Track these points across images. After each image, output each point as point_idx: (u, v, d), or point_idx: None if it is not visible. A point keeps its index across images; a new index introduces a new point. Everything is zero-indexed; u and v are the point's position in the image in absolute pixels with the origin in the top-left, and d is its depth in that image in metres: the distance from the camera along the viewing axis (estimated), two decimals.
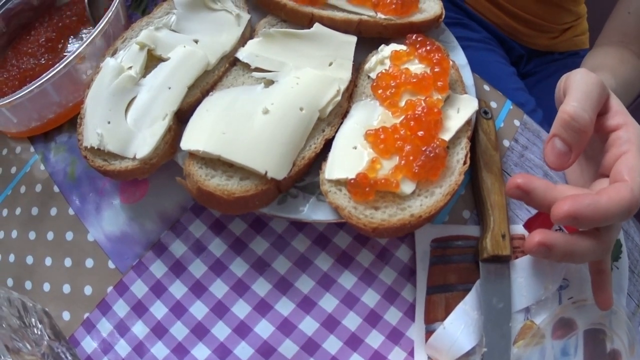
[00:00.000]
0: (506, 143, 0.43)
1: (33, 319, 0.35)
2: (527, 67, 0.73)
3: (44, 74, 0.39)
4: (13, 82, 0.45)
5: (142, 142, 0.35)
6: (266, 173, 0.33)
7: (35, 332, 0.35)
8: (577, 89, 0.31)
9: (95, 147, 0.35)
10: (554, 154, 0.31)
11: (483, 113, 0.41)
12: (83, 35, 0.48)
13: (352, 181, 0.33)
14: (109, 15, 0.41)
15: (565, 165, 0.31)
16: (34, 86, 0.39)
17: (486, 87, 0.46)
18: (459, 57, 0.43)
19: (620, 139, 0.32)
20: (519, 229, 0.39)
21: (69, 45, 0.48)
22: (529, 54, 0.73)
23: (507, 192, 0.32)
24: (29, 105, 0.41)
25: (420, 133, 0.35)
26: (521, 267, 0.37)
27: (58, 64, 0.39)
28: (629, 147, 0.31)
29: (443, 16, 0.44)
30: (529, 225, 0.38)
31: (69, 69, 0.40)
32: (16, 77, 0.45)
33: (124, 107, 0.36)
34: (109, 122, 0.35)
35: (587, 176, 0.36)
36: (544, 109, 0.62)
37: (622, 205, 0.28)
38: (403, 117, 0.36)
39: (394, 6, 0.42)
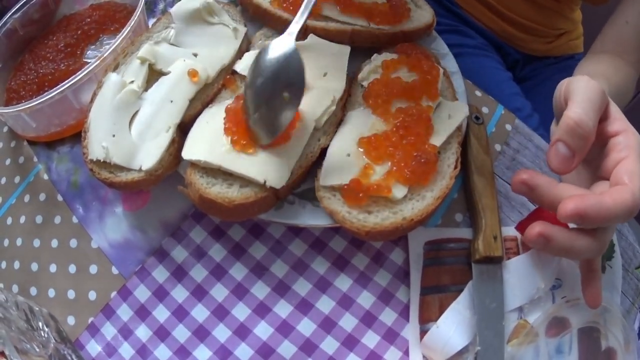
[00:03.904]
0: (498, 147, 0.46)
1: (40, 323, 0.38)
2: (523, 72, 0.76)
3: (66, 81, 0.41)
4: (31, 86, 0.47)
5: (147, 154, 0.37)
6: (265, 182, 0.36)
7: (42, 335, 0.37)
8: (580, 96, 0.33)
9: (101, 160, 0.37)
10: (557, 159, 0.33)
11: (474, 118, 0.44)
12: (103, 42, 0.50)
13: (345, 187, 0.36)
14: (132, 24, 0.44)
15: (568, 170, 0.33)
16: (55, 92, 0.41)
17: (478, 93, 0.49)
18: (451, 64, 0.46)
19: (620, 144, 0.33)
20: (510, 230, 0.42)
21: (88, 52, 0.49)
22: (524, 58, 0.75)
23: (512, 187, 0.34)
24: (49, 111, 0.43)
25: (410, 139, 0.37)
26: (513, 267, 0.39)
27: (81, 71, 0.41)
28: (628, 152, 0.33)
29: (434, 24, 0.47)
30: (521, 227, 0.41)
31: (90, 77, 0.42)
32: (34, 82, 0.47)
33: (128, 120, 0.38)
34: (113, 136, 0.37)
35: (583, 178, 0.38)
36: (540, 113, 0.64)
37: (624, 207, 0.30)
38: (394, 124, 0.39)
39: (385, 16, 0.44)
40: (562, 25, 0.73)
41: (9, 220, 0.46)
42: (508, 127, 0.47)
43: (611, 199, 0.30)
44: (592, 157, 0.37)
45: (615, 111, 0.35)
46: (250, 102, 0.36)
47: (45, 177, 0.47)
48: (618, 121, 0.35)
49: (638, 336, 0.43)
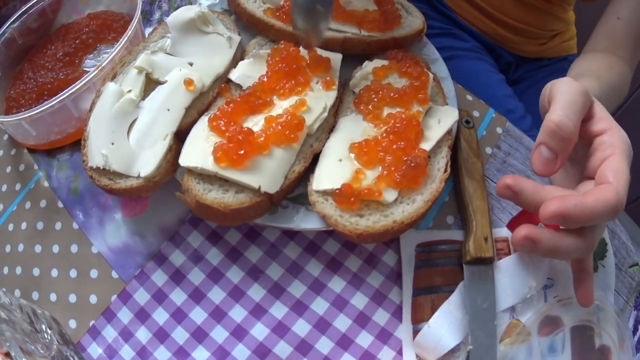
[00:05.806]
0: (489, 150, 0.48)
1: (43, 325, 0.40)
2: (516, 74, 0.77)
3: (66, 90, 0.43)
4: (30, 95, 0.49)
5: (145, 161, 0.39)
6: (259, 188, 0.37)
7: (45, 337, 0.39)
8: (561, 98, 0.34)
9: (101, 167, 0.39)
10: (540, 162, 0.34)
11: (465, 122, 0.46)
12: (101, 51, 0.52)
13: (337, 191, 0.38)
14: (129, 34, 0.45)
15: (552, 172, 0.35)
16: (54, 101, 0.43)
17: (469, 97, 0.51)
18: (441, 70, 0.48)
19: (605, 143, 0.35)
20: (502, 231, 0.43)
21: (87, 61, 0.51)
22: (517, 60, 0.77)
23: (497, 192, 0.35)
24: (49, 120, 0.45)
25: (400, 144, 0.39)
26: (504, 267, 0.41)
27: (80, 80, 0.43)
28: (613, 150, 0.34)
29: (425, 30, 0.49)
30: (512, 224, 0.42)
31: (89, 86, 0.44)
32: (33, 90, 0.49)
33: (126, 128, 0.40)
34: (112, 143, 0.39)
35: (572, 178, 0.40)
36: (533, 115, 0.65)
37: (607, 206, 0.31)
38: (385, 129, 0.40)
39: (377, 23, 0.46)
40: (554, 26, 0.74)
41: (11, 227, 0.48)
42: (499, 130, 0.49)
43: (593, 198, 0.31)
44: (579, 157, 0.38)
45: (599, 110, 0.36)
46: (297, 16, 0.41)
47: (46, 184, 0.48)
48: (603, 120, 0.36)
49: (632, 334, 0.44)
